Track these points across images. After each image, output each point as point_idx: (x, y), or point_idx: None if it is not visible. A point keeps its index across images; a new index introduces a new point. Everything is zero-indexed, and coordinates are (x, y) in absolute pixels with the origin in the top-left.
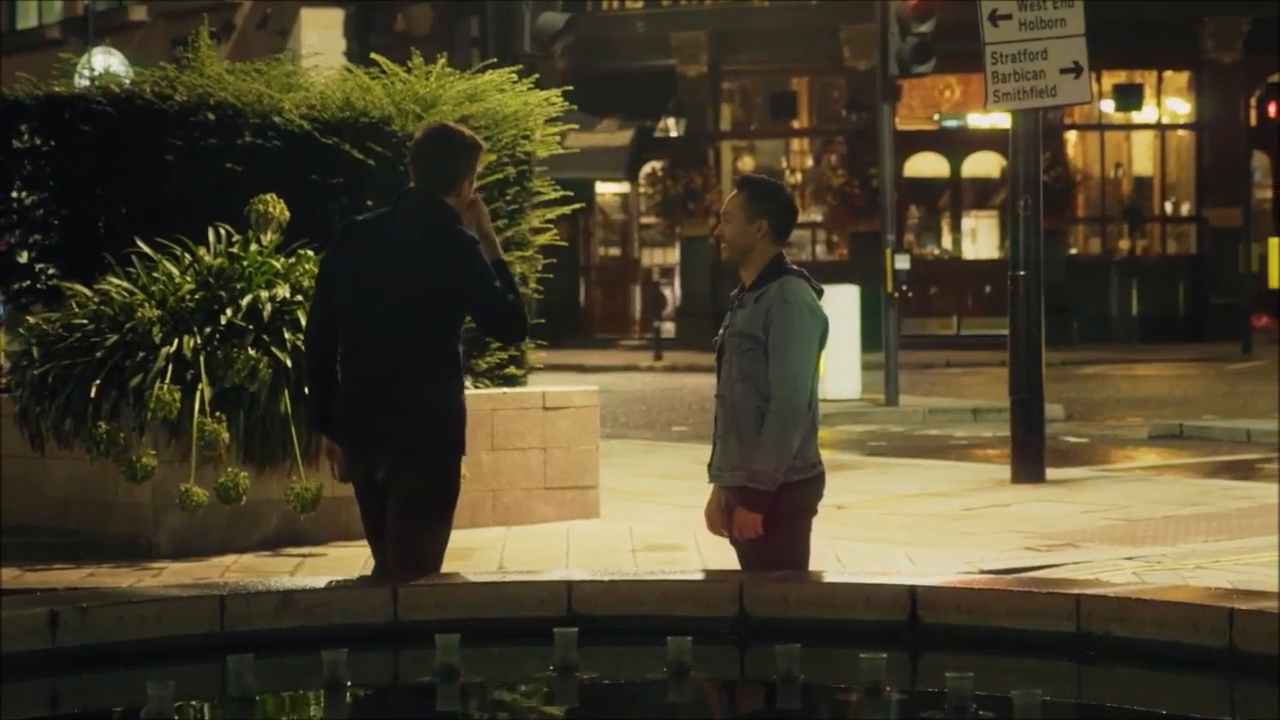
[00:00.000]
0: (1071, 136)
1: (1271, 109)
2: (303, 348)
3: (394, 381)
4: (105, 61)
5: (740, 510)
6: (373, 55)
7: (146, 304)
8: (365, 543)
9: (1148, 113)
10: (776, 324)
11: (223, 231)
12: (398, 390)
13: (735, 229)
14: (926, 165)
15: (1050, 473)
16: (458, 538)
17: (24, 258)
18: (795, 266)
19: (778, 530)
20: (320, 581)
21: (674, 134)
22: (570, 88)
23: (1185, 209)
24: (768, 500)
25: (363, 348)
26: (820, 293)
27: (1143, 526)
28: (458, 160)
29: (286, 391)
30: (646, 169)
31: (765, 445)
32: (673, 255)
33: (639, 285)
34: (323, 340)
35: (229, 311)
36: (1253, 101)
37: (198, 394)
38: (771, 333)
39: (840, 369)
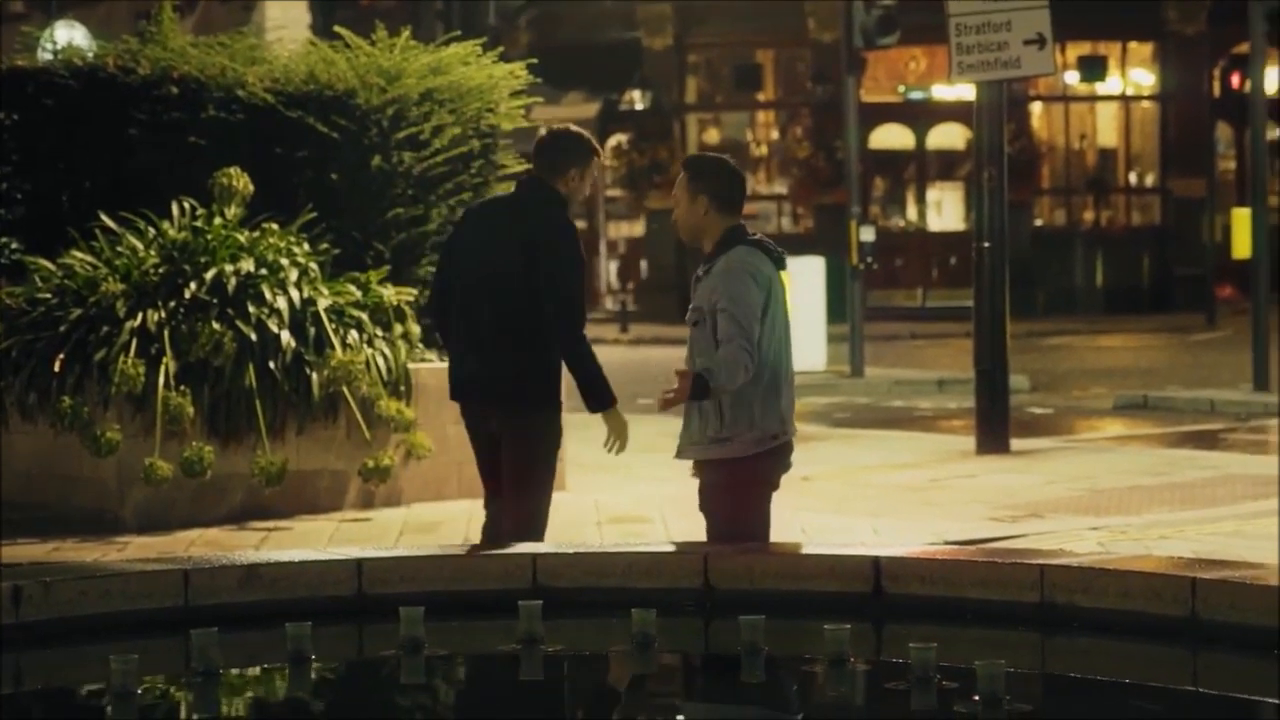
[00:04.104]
0: (1036, 108)
1: (1235, 80)
2: (269, 327)
3: (491, 346)
4: (68, 35)
5: (680, 381)
6: (337, 28)
7: (110, 278)
8: (329, 516)
9: (1112, 84)
10: (719, 293)
11: (186, 205)
12: (494, 353)
13: (682, 210)
14: (891, 137)
15: (1015, 444)
16: (423, 510)
17: None
18: (757, 236)
19: (736, 501)
20: (285, 555)
21: (639, 107)
22: (535, 61)
23: (1149, 180)
24: (706, 393)
25: (467, 315)
26: (781, 260)
27: (1107, 497)
28: (567, 153)
29: (251, 365)
30: (612, 142)
31: (718, 356)
32: (638, 228)
33: (604, 258)
34: (441, 314)
35: (193, 285)
36: (1216, 73)
37: (162, 368)
38: (717, 302)
39: (806, 341)
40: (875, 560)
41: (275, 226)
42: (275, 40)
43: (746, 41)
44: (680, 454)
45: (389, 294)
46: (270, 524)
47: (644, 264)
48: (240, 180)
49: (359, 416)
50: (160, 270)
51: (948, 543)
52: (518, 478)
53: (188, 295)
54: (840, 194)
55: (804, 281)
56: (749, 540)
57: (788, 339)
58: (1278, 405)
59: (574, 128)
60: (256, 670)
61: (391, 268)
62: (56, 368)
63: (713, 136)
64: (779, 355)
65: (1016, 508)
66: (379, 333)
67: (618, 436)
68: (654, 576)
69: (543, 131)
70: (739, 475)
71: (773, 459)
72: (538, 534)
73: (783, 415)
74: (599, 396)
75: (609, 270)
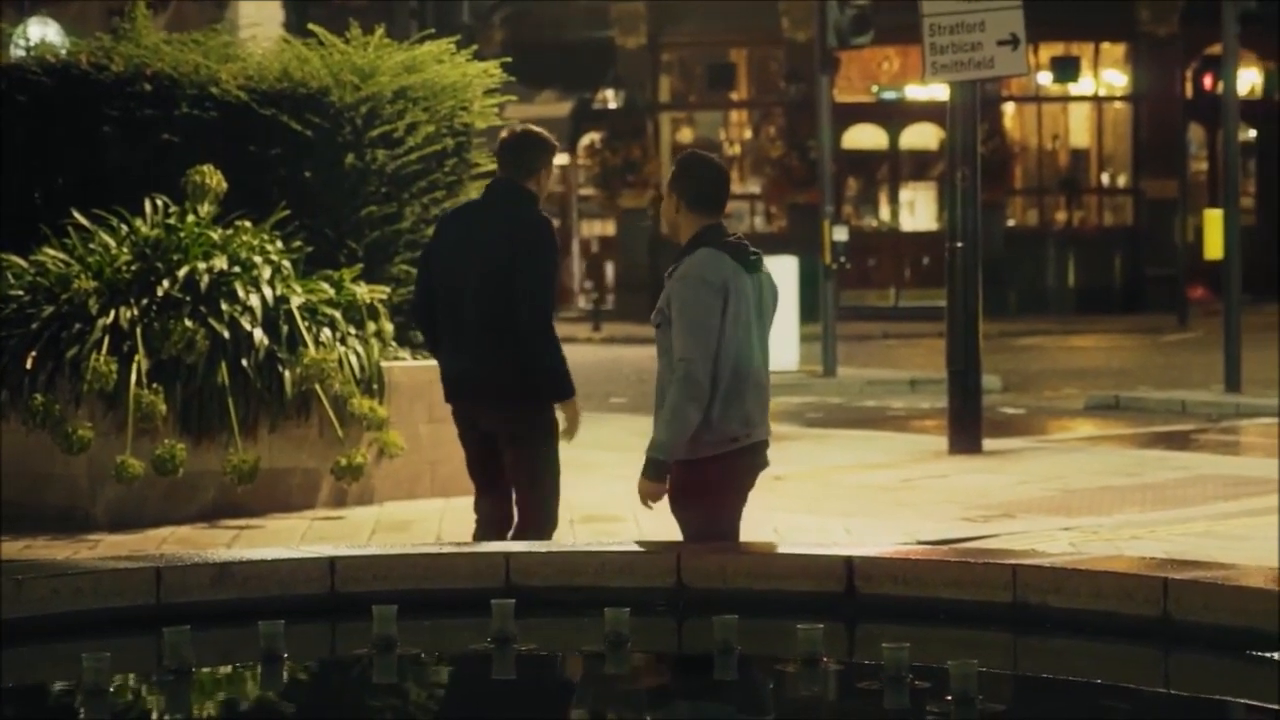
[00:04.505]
0: (1009, 108)
1: (1207, 81)
2: (241, 324)
3: (480, 346)
4: (41, 32)
5: (640, 478)
6: (311, 26)
7: (83, 275)
8: (302, 514)
9: (1085, 85)
10: (673, 299)
11: (159, 203)
12: (484, 353)
13: (664, 205)
14: (865, 137)
15: (987, 444)
16: (395, 509)
17: None
18: (732, 237)
19: (700, 502)
20: (257, 553)
21: (613, 106)
22: (509, 59)
23: (1122, 181)
24: (665, 469)
25: (453, 316)
26: (751, 263)
27: (1079, 497)
28: (535, 153)
29: (224, 363)
30: (585, 141)
31: (663, 416)
32: (611, 227)
33: (577, 257)
34: (427, 318)
35: (166, 283)
36: (1189, 74)
37: (134, 365)
38: (672, 308)
39: (778, 340)
40: (848, 560)
41: (248, 224)
42: (249, 38)
43: (720, 41)
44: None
45: (362, 292)
46: (242, 522)
47: (617, 263)
48: (213, 178)
49: (331, 415)
50: (133, 268)
51: (920, 543)
52: (525, 477)
53: (160, 293)
54: (813, 194)
55: (776, 281)
56: (715, 540)
57: (758, 341)
58: (1249, 406)
59: (533, 128)
60: (229, 668)
61: (365, 266)
62: (28, 365)
63: (686, 136)
64: (741, 357)
65: (989, 508)
66: (352, 331)
67: (572, 425)
68: (627, 575)
69: (505, 135)
70: (700, 476)
71: (736, 461)
72: (552, 526)
73: (746, 417)
74: (560, 388)
75: (581, 269)
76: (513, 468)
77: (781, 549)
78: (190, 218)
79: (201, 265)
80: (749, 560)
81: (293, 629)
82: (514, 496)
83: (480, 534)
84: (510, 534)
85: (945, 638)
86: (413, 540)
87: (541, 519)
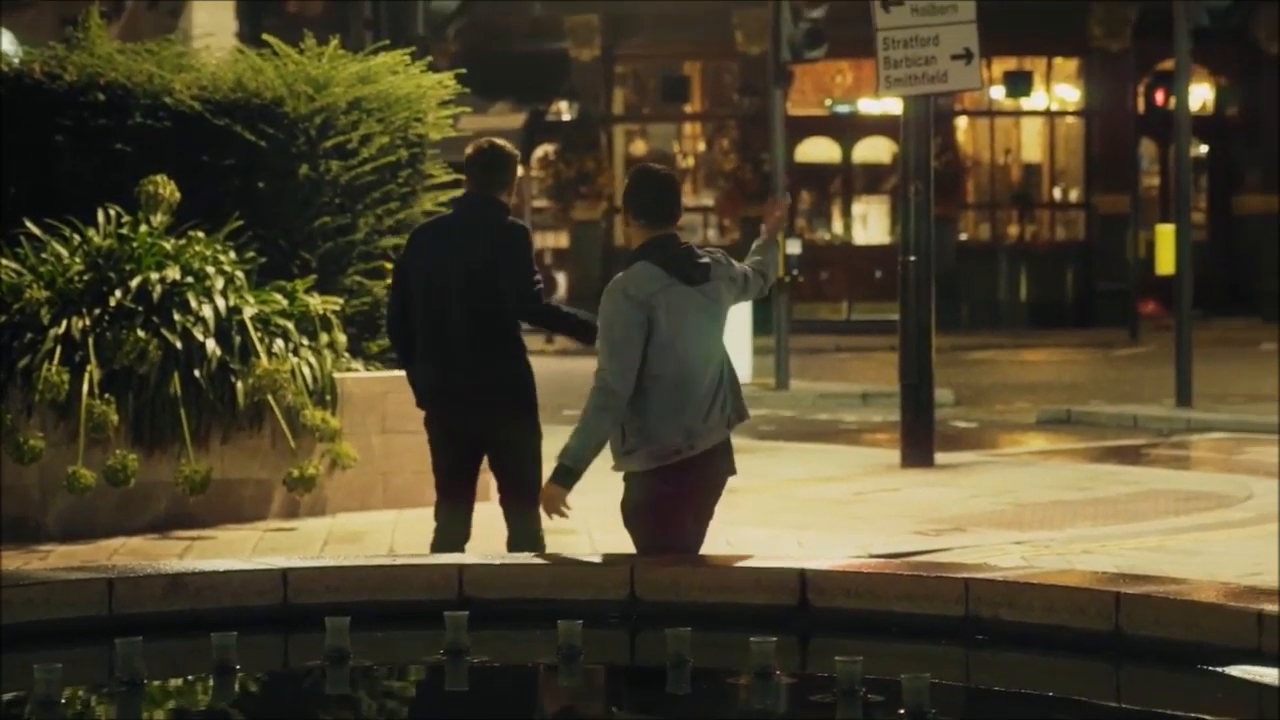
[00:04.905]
0: (962, 123)
1: (1159, 96)
2: (194, 335)
3: (469, 355)
4: None
5: (546, 482)
6: (265, 36)
7: (35, 285)
8: (254, 525)
9: (1037, 99)
10: (600, 311)
11: (112, 212)
12: (475, 361)
13: (621, 218)
14: (818, 150)
15: (939, 457)
16: (348, 520)
17: None
18: (683, 248)
19: (645, 515)
20: (209, 564)
21: (566, 117)
22: (463, 70)
23: (1074, 195)
24: (572, 476)
25: (436, 327)
26: (688, 274)
27: (1030, 511)
28: (510, 167)
29: (176, 373)
30: (539, 152)
31: (576, 424)
32: (565, 239)
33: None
34: (401, 330)
35: (118, 293)
36: (1141, 89)
37: (86, 375)
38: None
39: (730, 354)
40: (801, 573)
41: (201, 234)
42: (202, 47)
43: (674, 53)
44: (614, 467)
45: (315, 303)
46: (194, 533)
47: (570, 274)
48: (167, 188)
49: (284, 425)
50: (85, 277)
51: (873, 556)
52: (520, 484)
53: (113, 303)
54: None
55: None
56: (664, 554)
57: (704, 350)
58: (1200, 421)
59: (499, 141)
60: (181, 680)
61: (318, 276)
62: None
63: (640, 148)
64: (684, 368)
65: (941, 521)
66: (305, 342)
67: None
68: (580, 588)
69: (474, 150)
70: (646, 490)
71: (682, 474)
72: (541, 526)
73: (688, 430)
74: (590, 328)
75: None
76: (505, 478)
77: (734, 562)
78: (143, 228)
79: (154, 275)
80: (702, 573)
81: (245, 640)
82: (503, 507)
83: (438, 544)
84: (506, 542)
85: (898, 651)
86: (365, 552)
87: (538, 526)
